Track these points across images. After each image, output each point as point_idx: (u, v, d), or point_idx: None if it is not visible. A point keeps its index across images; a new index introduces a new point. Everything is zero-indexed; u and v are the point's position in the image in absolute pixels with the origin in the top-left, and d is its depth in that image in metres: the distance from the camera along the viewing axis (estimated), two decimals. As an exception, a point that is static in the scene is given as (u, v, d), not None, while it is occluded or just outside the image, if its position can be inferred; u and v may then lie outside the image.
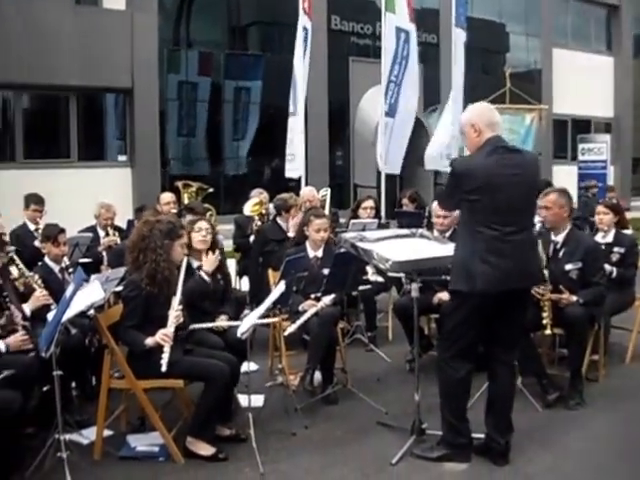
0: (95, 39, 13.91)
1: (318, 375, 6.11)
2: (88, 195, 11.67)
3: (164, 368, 4.68)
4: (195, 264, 5.72)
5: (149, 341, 4.79)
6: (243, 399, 5.52)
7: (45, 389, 4.94)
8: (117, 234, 8.05)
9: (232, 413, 5.37)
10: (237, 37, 18.01)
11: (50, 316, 4.61)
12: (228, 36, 17.80)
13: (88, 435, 5.12)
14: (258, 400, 5.81)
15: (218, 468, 4.81)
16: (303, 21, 11.79)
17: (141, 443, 5.09)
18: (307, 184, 10.86)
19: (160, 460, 4.92)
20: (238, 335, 4.87)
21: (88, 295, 4.50)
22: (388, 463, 4.82)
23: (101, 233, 8.13)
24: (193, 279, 5.54)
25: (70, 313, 4.21)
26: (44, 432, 4.87)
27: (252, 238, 8.35)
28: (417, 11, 15.74)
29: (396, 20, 11.21)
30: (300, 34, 11.70)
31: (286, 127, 11.99)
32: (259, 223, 8.45)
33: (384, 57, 11.04)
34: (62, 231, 6.06)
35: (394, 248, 5.03)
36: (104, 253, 7.73)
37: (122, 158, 15.06)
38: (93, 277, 4.83)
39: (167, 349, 4.71)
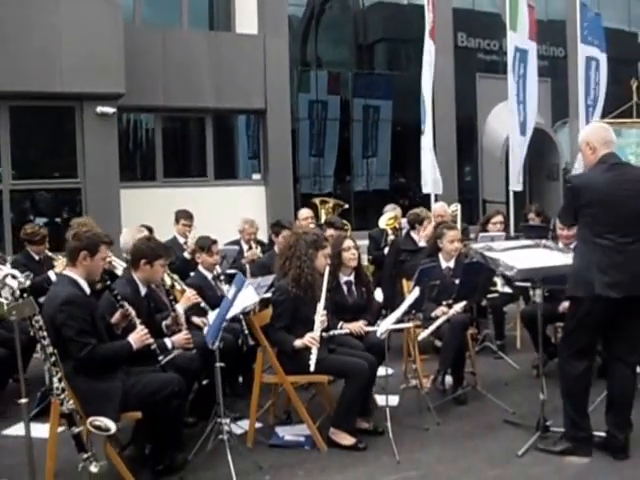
0: (229, 63, 14.65)
1: (449, 377, 6.52)
2: (223, 212, 12.43)
3: (312, 368, 5.23)
4: (343, 279, 6.19)
5: (298, 343, 5.34)
6: (380, 399, 6.02)
7: (204, 383, 5.54)
8: (259, 248, 8.63)
9: (370, 409, 5.83)
10: (365, 55, 18.45)
11: (212, 316, 5.21)
12: (356, 55, 18.24)
13: (242, 425, 5.68)
14: (393, 400, 6.26)
15: (358, 456, 5.30)
16: (428, 40, 12.13)
17: (288, 433, 5.66)
18: (436, 200, 11.20)
19: (306, 448, 5.46)
20: (377, 335, 5.36)
21: (245, 298, 5.08)
22: (514, 455, 5.18)
23: (244, 247, 8.72)
24: (338, 293, 6.00)
25: (232, 312, 4.79)
26: (202, 423, 5.51)
27: (386, 250, 8.77)
28: (543, 23, 15.93)
29: (515, 38, 11.50)
30: (426, 53, 12.06)
31: (416, 144, 12.32)
32: (392, 237, 8.88)
33: (509, 75, 11.37)
34: (214, 242, 6.73)
35: (519, 257, 5.39)
36: (247, 265, 8.32)
37: (256, 177, 15.70)
38: (247, 282, 5.39)
39: (315, 351, 5.24)
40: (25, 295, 4.08)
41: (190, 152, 15.75)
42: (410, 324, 5.97)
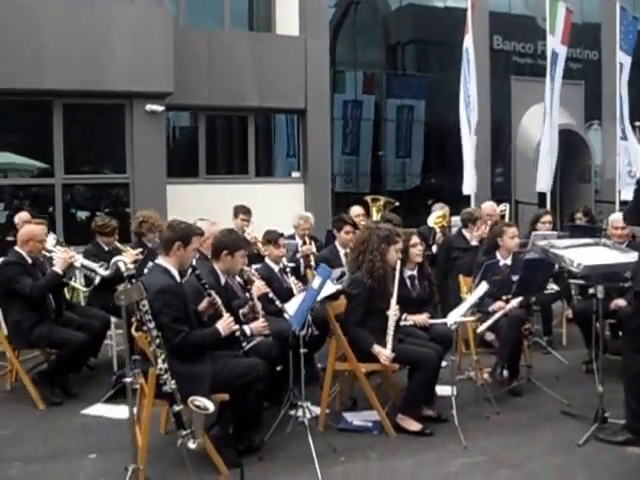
0: (271, 63, 14.95)
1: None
2: (264, 209, 12.69)
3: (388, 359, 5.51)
4: (407, 273, 6.41)
5: (376, 349, 5.60)
6: (439, 389, 6.26)
7: (278, 369, 5.82)
8: (313, 243, 8.90)
9: (434, 397, 6.09)
10: (397, 56, 18.71)
11: (290, 305, 5.50)
12: (388, 56, 18.50)
13: (313, 410, 5.96)
14: (452, 390, 6.51)
15: (425, 442, 5.58)
16: (466, 42, 12.38)
17: (356, 419, 5.94)
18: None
19: (374, 433, 5.75)
20: (448, 325, 5.64)
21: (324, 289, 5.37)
22: (575, 444, 5.43)
23: (299, 242, 8.99)
24: (403, 287, 6.27)
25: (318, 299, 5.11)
26: (273, 407, 5.79)
27: (434, 248, 9.01)
28: (577, 26, 16.07)
29: (553, 42, 11.76)
30: (464, 55, 12.32)
31: (448, 144, 12.55)
32: (440, 234, 9.13)
33: (547, 78, 11.71)
34: (281, 235, 7.03)
35: (581, 254, 5.65)
36: (301, 260, 8.60)
37: (295, 174, 16.04)
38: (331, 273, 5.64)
39: (390, 340, 5.52)
40: (133, 281, 4.33)
41: (232, 150, 16.12)
42: (473, 317, 6.23)
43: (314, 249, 8.70)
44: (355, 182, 17.63)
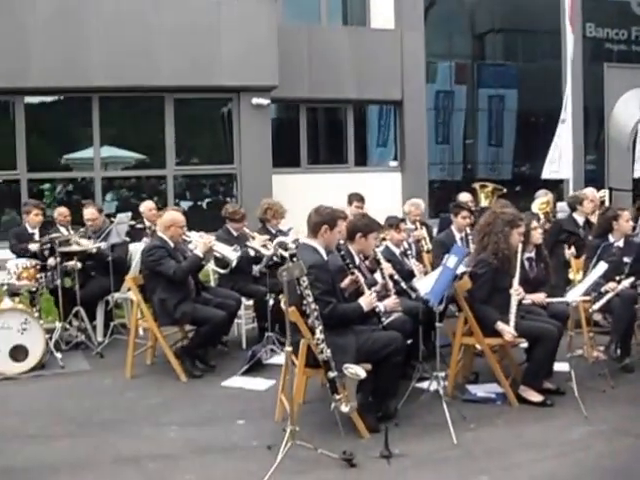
0: (368, 56, 15.46)
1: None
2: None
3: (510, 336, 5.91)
4: (525, 255, 6.74)
5: (499, 325, 5.99)
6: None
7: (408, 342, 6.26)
8: (424, 228, 9.30)
9: (553, 371, 6.47)
10: (488, 46, 18.91)
11: (427, 282, 5.95)
12: (479, 45, 18.73)
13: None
14: (564, 366, 6.84)
15: (548, 411, 5.99)
16: (567, 30, 12.59)
17: (480, 390, 6.37)
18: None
19: (497, 404, 6.18)
20: (569, 303, 6.02)
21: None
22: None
23: (412, 227, 9.35)
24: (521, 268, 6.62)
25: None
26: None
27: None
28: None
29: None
30: (567, 43, 12.53)
31: (541, 133, 12.71)
32: (543, 220, 9.44)
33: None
34: (402, 220, 7.50)
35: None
36: (412, 245, 9.01)
37: (393, 164, 16.52)
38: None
39: (512, 318, 5.91)
40: (294, 259, 4.84)
41: (332, 141, 16.63)
42: (588, 297, 6.58)
43: (425, 234, 9.11)
44: (449, 170, 17.97)
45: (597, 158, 18.86)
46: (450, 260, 5.53)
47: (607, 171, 18.56)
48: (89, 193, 13.26)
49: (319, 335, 4.99)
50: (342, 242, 5.91)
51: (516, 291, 6.05)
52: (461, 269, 6.01)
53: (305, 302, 4.98)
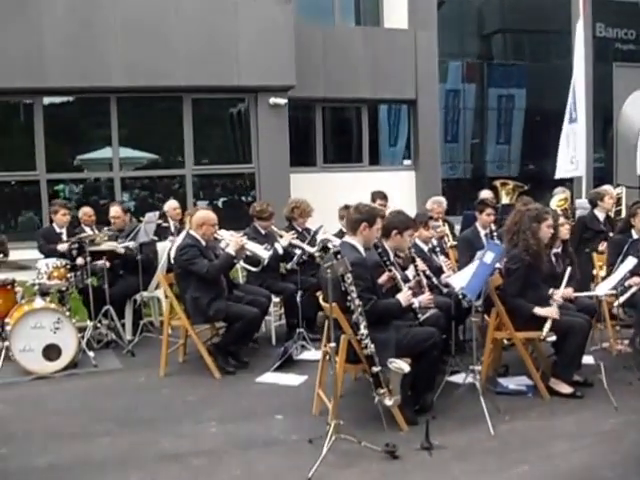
0: (382, 56, 15.68)
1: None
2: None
3: (545, 334, 6.06)
4: (552, 250, 6.90)
5: (537, 310, 6.14)
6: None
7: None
8: (447, 225, 9.44)
9: (581, 363, 6.61)
10: (497, 46, 19.07)
11: (462, 277, 6.09)
12: (488, 45, 18.90)
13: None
14: (589, 359, 7.01)
15: (578, 403, 6.15)
16: (579, 29, 12.72)
17: (511, 383, 6.52)
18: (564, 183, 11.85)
19: (529, 396, 6.33)
20: (599, 297, 6.17)
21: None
22: None
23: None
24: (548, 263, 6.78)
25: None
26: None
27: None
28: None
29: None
30: (577, 42, 12.66)
31: (549, 132, 12.83)
32: (562, 218, 9.57)
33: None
34: (431, 218, 7.64)
35: None
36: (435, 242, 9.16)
37: (407, 162, 16.71)
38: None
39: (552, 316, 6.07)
40: (339, 257, 4.98)
41: (347, 140, 16.82)
42: (613, 291, 6.73)
43: (448, 231, 9.26)
44: (458, 169, 18.13)
45: (606, 156, 19.02)
46: (487, 256, 5.67)
47: (615, 169, 18.74)
48: (108, 193, 13.40)
49: (363, 330, 5.13)
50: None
51: (556, 301, 6.19)
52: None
53: (349, 298, 5.11)
